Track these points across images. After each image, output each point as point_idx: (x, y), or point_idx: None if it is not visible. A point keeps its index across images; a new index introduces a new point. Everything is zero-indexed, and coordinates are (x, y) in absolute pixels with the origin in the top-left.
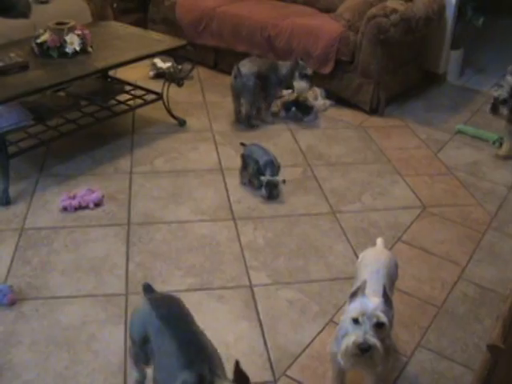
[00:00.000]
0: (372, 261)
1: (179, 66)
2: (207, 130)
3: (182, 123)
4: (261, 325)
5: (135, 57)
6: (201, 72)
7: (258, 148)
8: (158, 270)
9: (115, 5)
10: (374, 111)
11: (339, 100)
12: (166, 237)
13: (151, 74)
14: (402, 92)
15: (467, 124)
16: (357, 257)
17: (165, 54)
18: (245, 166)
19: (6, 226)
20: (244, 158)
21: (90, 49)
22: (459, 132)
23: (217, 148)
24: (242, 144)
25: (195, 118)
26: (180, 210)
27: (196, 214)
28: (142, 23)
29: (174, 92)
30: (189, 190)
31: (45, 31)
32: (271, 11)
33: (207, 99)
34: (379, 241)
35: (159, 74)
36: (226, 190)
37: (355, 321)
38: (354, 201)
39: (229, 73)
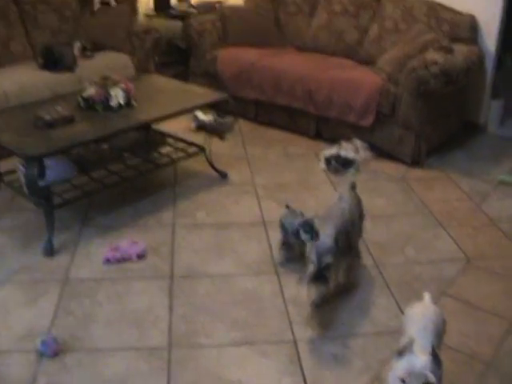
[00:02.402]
0: (419, 316)
1: (220, 119)
2: (249, 183)
3: (223, 176)
4: (305, 380)
5: (178, 110)
6: (242, 124)
7: (292, 215)
8: (200, 323)
9: (157, 58)
10: (415, 163)
11: (380, 152)
12: (209, 290)
13: (193, 126)
14: (442, 143)
15: (509, 174)
16: (401, 311)
17: (207, 107)
18: (284, 233)
19: (50, 276)
20: (281, 223)
21: (133, 102)
22: (501, 182)
23: (259, 201)
24: (287, 207)
25: (237, 171)
26: (223, 263)
27: (239, 267)
28: (184, 76)
29: (215, 144)
30: (231, 243)
31: (90, 85)
32: (311, 64)
33: (248, 152)
34: (426, 296)
35: (201, 127)
36: (269, 244)
37: (403, 381)
38: (397, 253)
39: (269, 125)
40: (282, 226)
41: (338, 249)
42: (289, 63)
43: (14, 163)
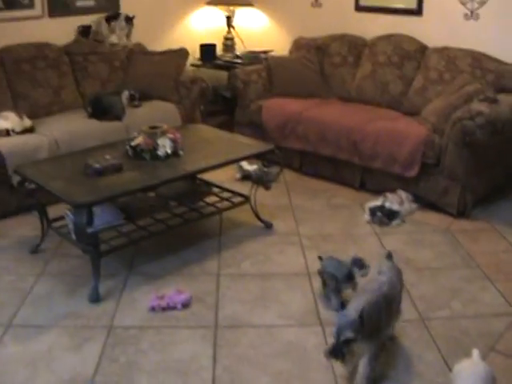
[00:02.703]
0: (468, 375)
1: (265, 169)
2: (293, 234)
3: (268, 226)
4: None
5: (224, 161)
6: (286, 174)
7: (333, 261)
8: (244, 374)
9: (202, 107)
10: (460, 214)
11: (425, 203)
12: (253, 341)
13: (238, 176)
14: (488, 193)
15: None
16: (448, 367)
17: (253, 158)
18: (324, 282)
19: (96, 323)
20: (321, 273)
21: (180, 152)
22: None
23: (303, 251)
24: (320, 258)
25: (282, 221)
26: (267, 313)
27: (283, 318)
28: (229, 126)
29: (260, 194)
30: (276, 294)
31: (138, 134)
32: (357, 115)
33: (293, 202)
34: (475, 352)
35: (246, 176)
36: (313, 295)
37: None
38: (444, 307)
39: (314, 175)
40: (329, 276)
41: (362, 326)
42: (334, 114)
43: (64, 210)
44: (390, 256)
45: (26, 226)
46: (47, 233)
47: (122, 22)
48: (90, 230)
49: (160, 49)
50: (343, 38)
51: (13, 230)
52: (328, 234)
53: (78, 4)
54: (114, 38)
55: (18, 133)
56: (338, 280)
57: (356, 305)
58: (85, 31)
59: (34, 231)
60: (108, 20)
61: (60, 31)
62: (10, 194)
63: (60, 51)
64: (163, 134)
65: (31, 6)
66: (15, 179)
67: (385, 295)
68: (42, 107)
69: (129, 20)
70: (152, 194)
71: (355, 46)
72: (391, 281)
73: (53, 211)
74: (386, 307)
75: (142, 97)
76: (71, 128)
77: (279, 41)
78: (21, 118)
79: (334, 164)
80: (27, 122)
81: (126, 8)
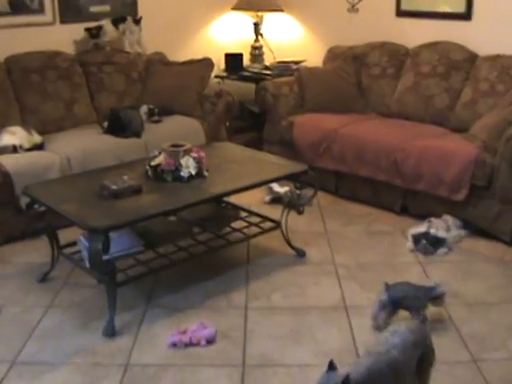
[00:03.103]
0: None
1: (298, 191)
2: (329, 263)
3: (301, 254)
4: None
5: (253, 183)
6: (320, 197)
7: (408, 287)
8: None
9: (228, 123)
10: None
11: (475, 230)
12: (284, 381)
13: (267, 198)
14: None
15: None
16: None
17: (284, 179)
18: (391, 311)
19: (110, 360)
20: (391, 301)
21: (205, 173)
22: None
23: (340, 283)
24: (386, 284)
25: (315, 249)
26: (300, 351)
27: (317, 356)
28: (257, 143)
29: (292, 219)
30: (309, 330)
31: (159, 153)
32: (398, 132)
33: (328, 228)
34: None
35: (276, 199)
36: (351, 331)
37: None
38: (499, 347)
39: (351, 198)
40: (411, 300)
41: None
42: (372, 131)
43: (76, 235)
44: (424, 319)
45: (34, 252)
46: (57, 260)
47: (131, 25)
48: (105, 258)
49: (182, 59)
50: (383, 47)
51: (19, 256)
52: (366, 263)
53: (92, 9)
54: (126, 44)
55: (26, 150)
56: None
57: (352, 368)
58: (95, 33)
59: (43, 258)
60: (115, 23)
61: (72, 39)
62: (16, 217)
63: (72, 61)
64: (186, 153)
65: (41, 11)
66: (23, 201)
67: (392, 362)
68: (52, 122)
69: (137, 22)
70: (174, 219)
71: (396, 56)
72: (405, 348)
73: (64, 236)
74: (394, 379)
75: (162, 112)
76: (85, 145)
77: (312, 50)
78: (29, 133)
79: (373, 186)
80: (37, 138)
81: (143, 14)
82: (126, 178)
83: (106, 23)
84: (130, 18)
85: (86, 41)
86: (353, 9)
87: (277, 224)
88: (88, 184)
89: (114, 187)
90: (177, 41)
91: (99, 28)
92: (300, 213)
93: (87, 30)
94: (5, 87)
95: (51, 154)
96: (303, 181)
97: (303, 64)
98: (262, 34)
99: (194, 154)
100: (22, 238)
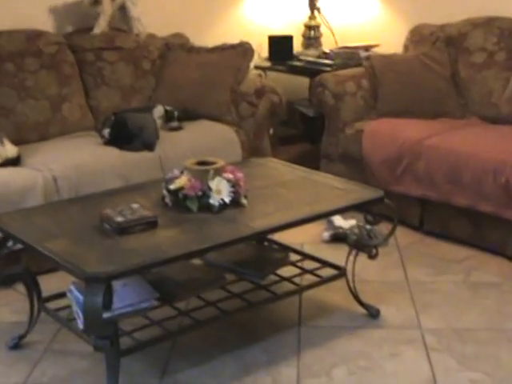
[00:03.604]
0: None
1: (369, 226)
2: (413, 327)
3: (373, 313)
4: None
5: (308, 215)
6: (400, 234)
7: None
8: None
9: (272, 131)
10: None
11: None
12: None
13: (326, 235)
14: None
15: None
16: None
17: (351, 210)
18: None
19: None
20: None
21: (243, 200)
22: None
23: (428, 356)
24: None
25: (393, 307)
26: None
27: None
28: (311, 159)
29: (361, 264)
30: None
31: (181, 173)
32: (507, 144)
33: (410, 277)
34: None
35: (338, 236)
36: None
37: None
38: None
39: (442, 236)
40: None
41: None
42: (473, 142)
43: (65, 283)
44: None
45: (5, 307)
46: (38, 318)
47: None
48: (106, 316)
49: (210, 43)
50: (490, 24)
51: None
52: (466, 328)
53: None
54: (136, 24)
55: None
56: None
57: None
58: None
59: (18, 315)
60: None
61: (60, 13)
62: None
63: (60, 44)
64: (218, 172)
65: None
66: None
67: None
68: (33, 128)
69: None
70: (199, 263)
71: (509, 36)
72: None
73: (47, 285)
74: None
75: (183, 115)
76: (78, 160)
77: (388, 30)
78: (1, 143)
79: (474, 219)
80: (11, 150)
81: None
82: (135, 206)
83: None
84: None
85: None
86: None
87: (340, 271)
88: (83, 214)
89: (119, 219)
90: (203, 19)
91: None
92: (372, 256)
93: None
94: None
95: (31, 172)
96: (376, 212)
97: (376, 50)
98: (319, 9)
99: (229, 175)
100: None
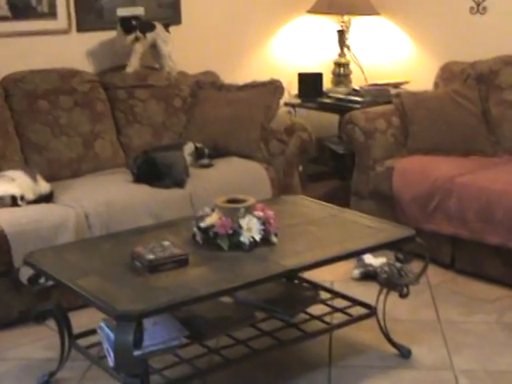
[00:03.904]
0: None
1: (399, 265)
2: (445, 368)
3: (404, 353)
4: None
5: (338, 254)
6: (431, 273)
7: None
8: None
9: (301, 167)
10: None
11: None
12: None
13: (356, 273)
14: None
15: None
16: None
17: (382, 249)
18: None
19: None
20: None
21: (273, 239)
22: None
23: None
24: None
25: (425, 347)
26: None
27: None
28: (341, 196)
29: (392, 303)
30: None
31: (211, 210)
32: None
33: (442, 316)
34: None
35: (368, 274)
36: None
37: None
38: None
39: (474, 275)
40: None
41: None
42: (505, 180)
43: (96, 320)
44: None
45: (37, 343)
46: (68, 355)
47: (163, 33)
48: (136, 354)
49: (240, 81)
50: None
51: (16, 348)
52: (501, 370)
53: (120, 13)
54: (168, 61)
55: (29, 202)
56: None
57: None
58: (128, 24)
59: (49, 351)
60: (142, 32)
61: (93, 53)
62: (14, 294)
63: (93, 82)
64: (249, 210)
65: (52, 15)
66: (24, 273)
67: None
68: (65, 164)
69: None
70: (229, 301)
71: None
72: None
73: (78, 321)
74: None
75: (213, 152)
76: (109, 196)
77: (419, 67)
78: (34, 179)
79: (507, 258)
80: (44, 187)
81: (187, 20)
82: (166, 243)
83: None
84: (159, 25)
85: (118, 42)
86: (478, 9)
87: (370, 310)
88: (114, 251)
89: (149, 257)
90: (233, 56)
91: (137, 19)
92: (403, 295)
93: (123, 20)
94: (2, 117)
95: (63, 209)
96: (406, 249)
97: (406, 87)
98: (348, 47)
99: (259, 213)
100: (20, 322)
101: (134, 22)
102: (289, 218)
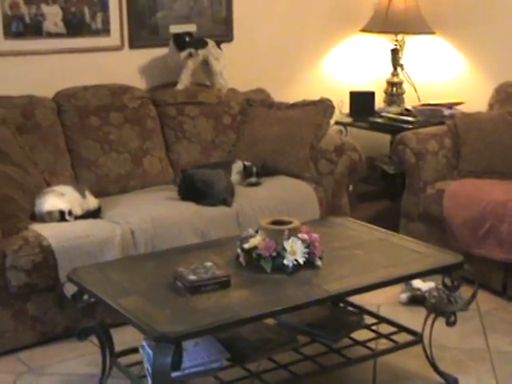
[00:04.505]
0: None
1: (448, 290)
2: None
3: (451, 383)
4: None
5: (385, 279)
6: (482, 299)
7: None
8: None
9: (351, 187)
10: None
11: None
12: None
13: (404, 297)
14: None
15: None
16: None
17: (429, 274)
18: None
19: None
20: None
21: (318, 262)
22: None
23: None
24: None
25: (473, 377)
26: None
27: None
28: (391, 216)
29: (439, 330)
30: None
31: (255, 231)
32: None
33: (492, 345)
34: None
35: (416, 299)
36: None
37: None
38: None
39: None
40: None
41: None
42: None
43: (138, 338)
44: None
45: (80, 359)
46: (110, 372)
47: (214, 50)
48: (175, 375)
49: (291, 99)
50: None
51: (59, 362)
52: None
53: (173, 30)
54: (219, 79)
55: (77, 217)
56: None
57: None
58: (182, 41)
59: (91, 367)
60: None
61: (145, 69)
62: (59, 309)
63: (144, 99)
64: (293, 233)
65: (105, 31)
66: (70, 288)
67: None
68: (114, 180)
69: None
70: (272, 324)
71: None
72: None
73: (121, 337)
74: None
75: (261, 171)
76: (155, 213)
77: (473, 88)
78: (83, 195)
79: None
80: (92, 202)
81: (239, 37)
82: (209, 264)
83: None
84: (211, 42)
85: (170, 58)
86: None
87: (416, 337)
88: (157, 270)
89: (191, 277)
90: (284, 74)
91: (191, 35)
92: (450, 323)
93: (176, 37)
94: (53, 132)
95: (110, 225)
96: (456, 274)
97: (460, 108)
98: (402, 66)
99: (304, 235)
100: (65, 337)
101: (187, 39)
102: (335, 241)
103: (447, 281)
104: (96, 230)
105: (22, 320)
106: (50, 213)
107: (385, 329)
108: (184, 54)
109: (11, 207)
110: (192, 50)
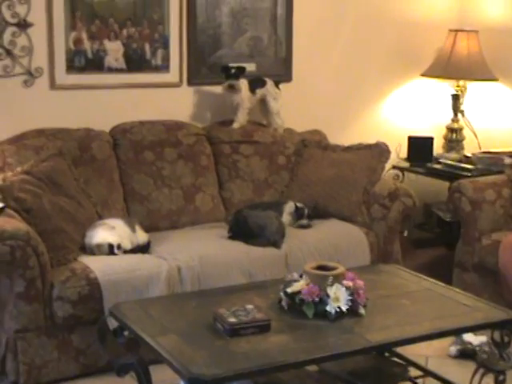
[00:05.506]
0: None
1: (499, 347)
2: None
3: None
4: None
5: (428, 332)
6: None
7: None
8: None
9: (406, 232)
10: None
11: None
12: None
13: (453, 349)
14: None
15: None
16: None
17: (476, 329)
18: None
19: None
20: None
21: (362, 310)
22: None
23: None
24: None
25: None
26: None
27: None
28: (445, 265)
29: None
30: None
31: (300, 276)
32: None
33: None
34: None
35: (466, 352)
36: None
37: None
38: None
39: None
40: None
41: None
42: None
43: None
44: None
45: None
46: None
47: (273, 90)
48: None
49: (346, 141)
50: None
51: None
52: None
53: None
54: (276, 118)
55: (126, 251)
56: None
57: None
58: (227, 71)
59: None
60: (252, 87)
61: (203, 106)
62: (103, 343)
63: (199, 135)
64: (337, 279)
65: (165, 68)
66: (112, 322)
67: None
68: (165, 216)
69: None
70: (313, 372)
71: None
72: None
73: (161, 374)
74: None
75: (313, 213)
76: (204, 251)
77: None
78: (133, 229)
79: None
80: (142, 237)
81: (298, 78)
82: (250, 307)
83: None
84: (270, 82)
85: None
86: None
87: None
88: (198, 310)
89: (231, 319)
90: (342, 116)
91: (242, 70)
92: (500, 381)
93: (223, 67)
94: (108, 166)
95: (157, 260)
96: (507, 332)
97: None
98: (462, 112)
99: (348, 282)
100: (108, 370)
101: (232, 70)
102: (381, 289)
103: (496, 336)
104: (143, 265)
105: (65, 351)
106: (99, 246)
107: (430, 382)
108: (224, 84)
109: (62, 238)
110: (234, 82)
